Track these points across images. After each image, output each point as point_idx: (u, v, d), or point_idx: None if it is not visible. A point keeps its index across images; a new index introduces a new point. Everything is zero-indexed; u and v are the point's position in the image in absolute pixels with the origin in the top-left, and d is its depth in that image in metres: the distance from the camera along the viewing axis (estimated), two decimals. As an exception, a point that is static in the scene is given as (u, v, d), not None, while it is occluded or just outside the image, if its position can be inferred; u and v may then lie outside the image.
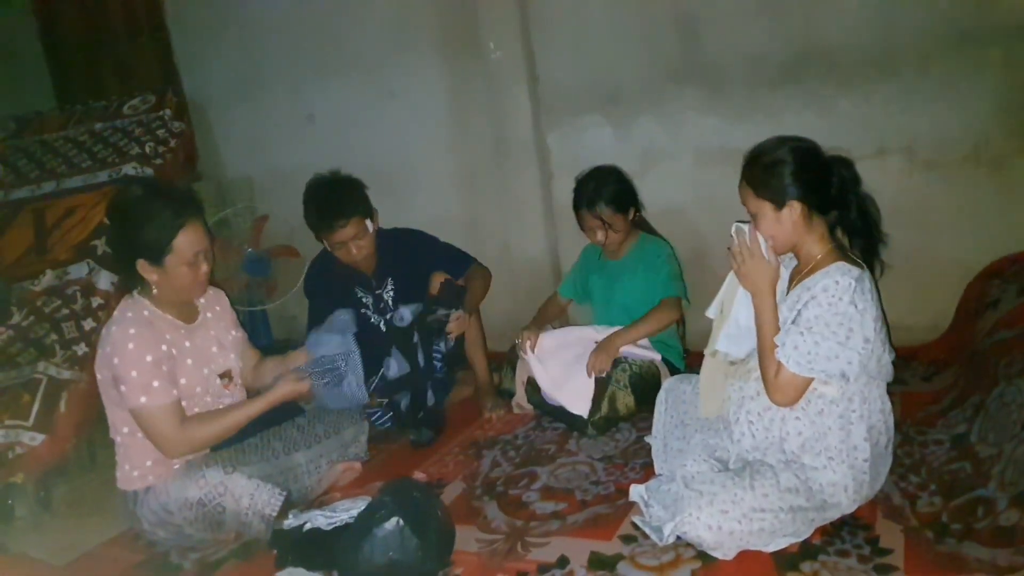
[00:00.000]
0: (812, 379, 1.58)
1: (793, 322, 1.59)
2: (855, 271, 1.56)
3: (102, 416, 2.12)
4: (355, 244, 2.42)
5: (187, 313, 1.98)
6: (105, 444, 2.48)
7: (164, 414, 1.81)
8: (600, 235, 2.47)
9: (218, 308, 2.09)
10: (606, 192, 2.43)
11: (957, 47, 2.50)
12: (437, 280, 2.48)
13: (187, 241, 1.83)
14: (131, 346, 1.79)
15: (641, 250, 2.54)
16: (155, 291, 1.88)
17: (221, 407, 1.96)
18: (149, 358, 1.80)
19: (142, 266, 1.83)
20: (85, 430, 2.56)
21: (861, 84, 2.63)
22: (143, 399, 1.79)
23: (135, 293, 1.91)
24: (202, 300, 2.05)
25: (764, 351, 1.62)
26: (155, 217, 1.81)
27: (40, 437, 2.40)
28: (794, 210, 1.61)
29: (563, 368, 2.48)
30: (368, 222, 2.45)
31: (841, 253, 1.64)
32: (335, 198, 2.40)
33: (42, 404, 2.46)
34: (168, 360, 1.85)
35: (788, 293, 1.69)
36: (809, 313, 1.56)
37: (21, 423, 2.42)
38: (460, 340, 2.56)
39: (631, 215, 2.48)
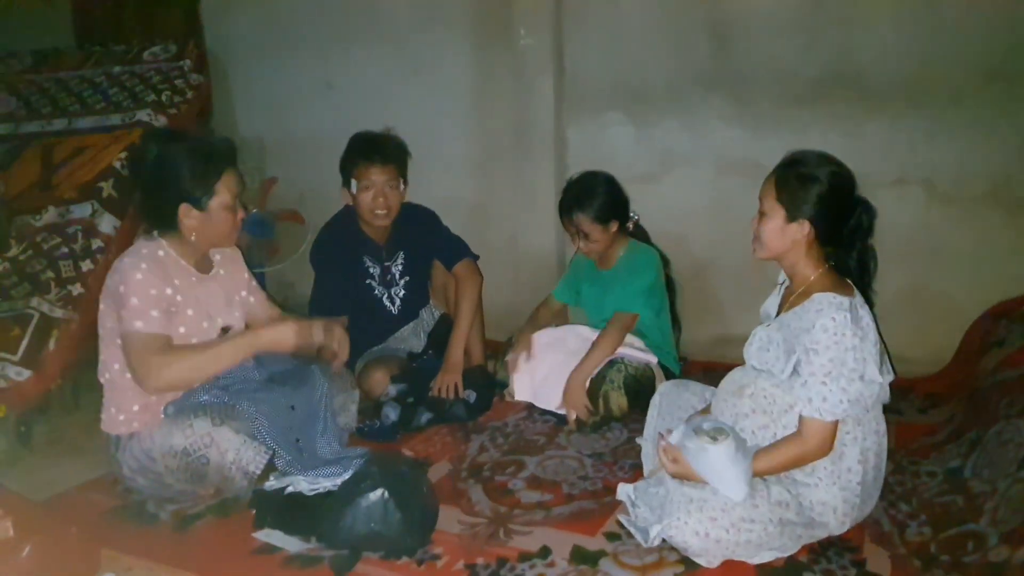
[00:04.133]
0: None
1: (795, 369, 1.56)
2: (845, 301, 1.54)
3: (90, 360, 2.08)
4: (386, 192, 2.41)
5: (202, 264, 1.97)
6: (90, 388, 2.45)
7: (153, 342, 1.77)
8: (578, 242, 2.45)
9: (232, 267, 2.08)
10: (587, 202, 2.38)
11: (987, 84, 2.49)
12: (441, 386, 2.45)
13: (228, 185, 1.86)
14: (139, 276, 1.79)
15: (630, 259, 2.51)
16: (193, 237, 1.87)
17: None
18: (153, 291, 1.80)
19: (185, 211, 1.84)
20: (72, 371, 2.53)
21: (888, 111, 2.62)
22: (138, 324, 1.77)
23: (155, 234, 1.90)
24: (218, 256, 2.04)
25: (776, 448, 1.57)
26: (200, 161, 1.84)
27: (26, 373, 2.37)
28: (803, 228, 1.60)
29: (556, 367, 2.46)
30: (402, 183, 2.47)
31: (832, 278, 1.61)
32: (385, 141, 2.46)
33: (31, 340, 2.43)
34: (170, 304, 1.83)
35: (780, 315, 1.68)
36: (821, 360, 1.52)
37: (9, 356, 2.39)
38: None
39: (613, 227, 2.43)
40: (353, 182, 2.42)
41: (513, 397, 2.57)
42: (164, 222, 1.88)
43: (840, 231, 1.61)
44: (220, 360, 1.82)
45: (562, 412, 2.39)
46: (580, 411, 2.35)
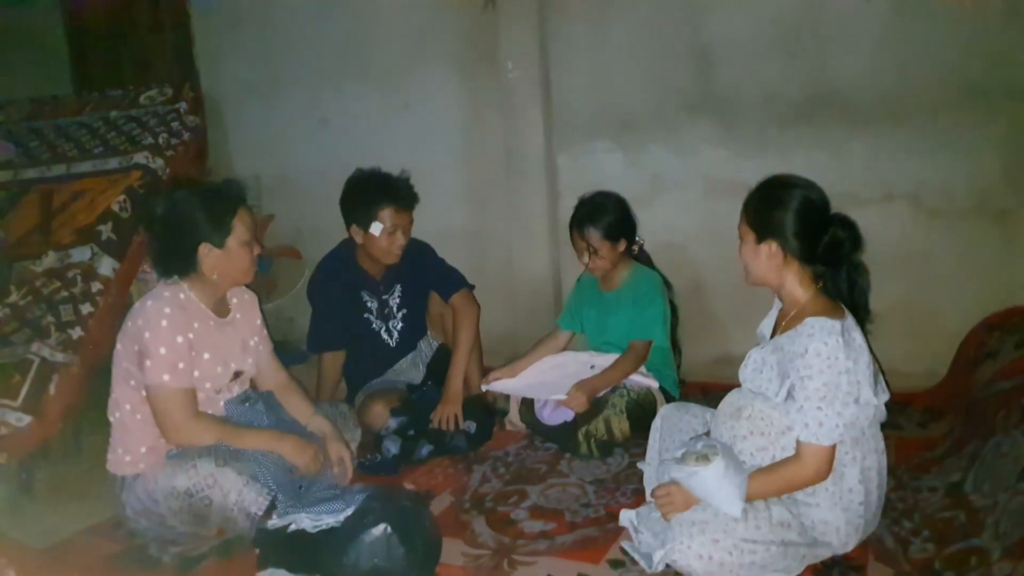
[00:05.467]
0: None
1: (789, 393, 1.57)
2: (836, 325, 1.55)
3: (92, 403, 2.10)
4: (403, 233, 2.47)
5: (219, 308, 2.00)
6: (92, 431, 2.47)
7: (181, 397, 1.83)
8: (586, 258, 2.48)
9: (247, 313, 2.11)
10: (599, 217, 2.44)
11: (967, 100, 2.54)
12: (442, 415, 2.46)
13: (243, 221, 1.92)
14: (164, 323, 1.81)
15: (634, 283, 2.54)
16: (215, 276, 1.91)
17: (237, 423, 1.96)
18: (180, 339, 1.83)
19: (205, 250, 1.87)
20: (73, 415, 2.53)
21: (872, 129, 2.67)
22: (166, 377, 1.80)
23: (175, 277, 1.93)
24: (235, 300, 2.07)
25: (775, 471, 1.59)
26: (215, 201, 1.90)
27: (27, 419, 2.37)
28: (771, 248, 1.63)
29: (554, 382, 2.47)
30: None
31: (823, 301, 1.63)
32: (409, 185, 2.51)
33: (32, 385, 2.44)
34: (190, 349, 1.86)
35: (774, 337, 1.70)
36: (815, 384, 1.53)
37: (9, 403, 2.40)
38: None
39: (621, 246, 2.48)
40: (377, 224, 2.43)
41: (513, 425, 2.58)
42: (183, 266, 1.90)
43: (815, 249, 1.62)
44: (242, 443, 1.89)
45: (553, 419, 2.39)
46: (574, 407, 2.34)
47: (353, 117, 3.48)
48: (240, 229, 1.91)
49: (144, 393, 1.85)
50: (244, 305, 2.10)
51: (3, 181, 3.22)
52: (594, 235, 2.43)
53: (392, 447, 2.35)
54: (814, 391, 1.53)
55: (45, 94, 3.73)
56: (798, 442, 1.56)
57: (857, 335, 1.60)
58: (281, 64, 3.60)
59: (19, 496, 2.31)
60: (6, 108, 3.65)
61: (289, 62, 3.58)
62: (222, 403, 1.98)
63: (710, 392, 2.60)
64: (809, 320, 1.58)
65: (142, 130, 3.34)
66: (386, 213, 2.43)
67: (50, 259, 2.78)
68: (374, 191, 2.45)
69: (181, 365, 1.82)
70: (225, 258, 1.89)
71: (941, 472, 1.95)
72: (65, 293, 2.68)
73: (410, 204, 2.49)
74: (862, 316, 1.66)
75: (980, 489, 1.74)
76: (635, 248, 2.58)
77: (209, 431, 1.86)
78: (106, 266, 2.77)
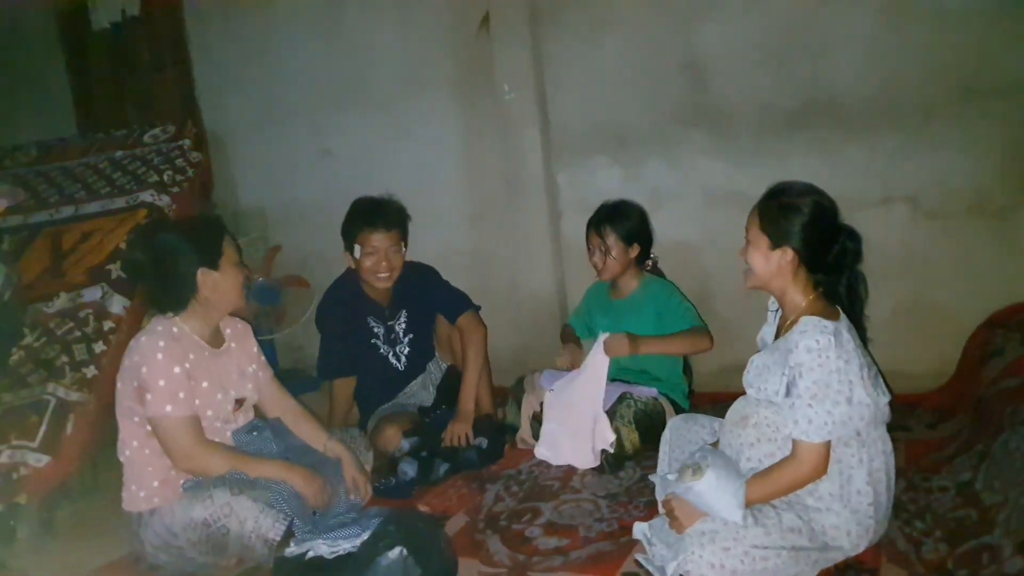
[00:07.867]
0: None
1: (787, 393, 1.60)
2: (830, 325, 1.58)
3: (108, 440, 2.13)
4: (389, 255, 2.49)
5: (214, 339, 2.04)
6: (109, 468, 2.50)
7: (186, 425, 1.87)
8: (597, 257, 2.52)
9: (242, 342, 2.15)
10: (618, 218, 2.50)
11: (960, 101, 2.56)
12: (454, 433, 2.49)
13: (230, 244, 2.01)
14: (160, 356, 1.87)
15: (647, 289, 2.58)
16: (213, 300, 1.97)
17: (246, 452, 1.99)
18: (177, 369, 1.88)
19: (203, 274, 1.94)
20: (90, 453, 2.56)
21: (867, 133, 2.69)
22: (168, 408, 1.85)
23: (170, 313, 1.98)
24: (228, 331, 2.12)
25: (772, 472, 1.62)
26: (202, 229, 2.01)
27: (45, 459, 2.40)
28: (786, 255, 1.66)
29: (575, 420, 2.44)
30: (404, 245, 2.55)
31: (820, 304, 1.66)
32: (387, 206, 2.54)
33: (49, 425, 2.46)
34: (188, 378, 1.91)
35: (775, 340, 1.73)
36: (805, 382, 1.56)
37: (27, 444, 2.42)
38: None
39: (634, 251, 2.52)
40: (357, 247, 2.48)
41: (525, 443, 2.59)
42: (179, 299, 1.95)
43: (824, 258, 1.66)
44: (252, 472, 1.92)
45: (582, 466, 2.38)
46: (613, 352, 2.36)
47: (355, 146, 3.54)
48: (229, 250, 2.01)
49: (149, 428, 1.89)
50: (238, 335, 2.15)
51: (13, 226, 3.28)
52: (611, 234, 2.48)
53: (409, 469, 2.37)
54: (805, 389, 1.56)
55: (51, 138, 3.80)
56: (792, 440, 1.59)
57: (851, 336, 1.62)
58: (282, 97, 3.67)
59: (41, 535, 2.33)
60: (13, 154, 3.72)
61: (290, 95, 3.64)
62: (229, 433, 2.02)
63: (719, 402, 2.59)
64: (804, 319, 1.61)
65: (147, 168, 3.39)
66: (363, 236, 2.47)
67: (62, 300, 2.83)
68: (354, 216, 2.51)
69: (182, 395, 1.87)
70: (222, 279, 1.97)
71: (952, 472, 1.96)
72: (78, 333, 2.72)
73: (387, 225, 2.49)
74: (859, 323, 1.68)
75: (990, 487, 1.74)
76: (649, 263, 2.61)
77: (219, 456, 1.91)
78: (117, 304, 2.81)
